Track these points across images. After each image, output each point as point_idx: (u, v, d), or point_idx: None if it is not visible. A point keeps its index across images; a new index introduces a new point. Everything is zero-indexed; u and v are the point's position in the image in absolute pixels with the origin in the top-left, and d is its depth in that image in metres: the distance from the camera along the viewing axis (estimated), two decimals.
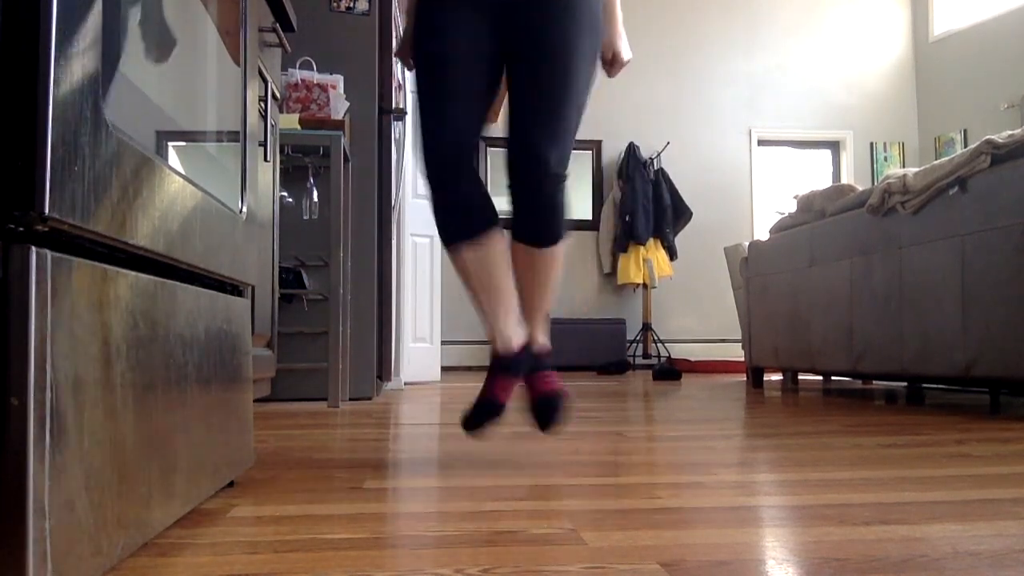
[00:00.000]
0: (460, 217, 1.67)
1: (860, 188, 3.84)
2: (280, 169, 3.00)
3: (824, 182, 8.08)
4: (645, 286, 7.35)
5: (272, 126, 2.43)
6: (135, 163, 0.85)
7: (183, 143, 1.05)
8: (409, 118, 4.44)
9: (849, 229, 3.61)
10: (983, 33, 7.38)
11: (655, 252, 7.34)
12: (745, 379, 5.25)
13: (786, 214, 4.40)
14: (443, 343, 6.91)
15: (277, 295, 2.72)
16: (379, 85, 3.65)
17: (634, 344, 7.39)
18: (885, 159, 8.15)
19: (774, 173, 8.13)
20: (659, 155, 7.64)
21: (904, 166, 8.10)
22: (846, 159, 8.14)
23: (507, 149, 1.69)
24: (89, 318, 0.74)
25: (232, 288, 1.36)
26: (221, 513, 1.19)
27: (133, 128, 0.85)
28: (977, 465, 1.63)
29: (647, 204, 7.35)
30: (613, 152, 7.73)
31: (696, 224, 7.64)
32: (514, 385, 1.73)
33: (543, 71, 1.66)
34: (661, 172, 7.54)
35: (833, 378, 5.14)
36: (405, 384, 4.62)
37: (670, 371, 5.43)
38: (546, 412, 1.72)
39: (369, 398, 3.53)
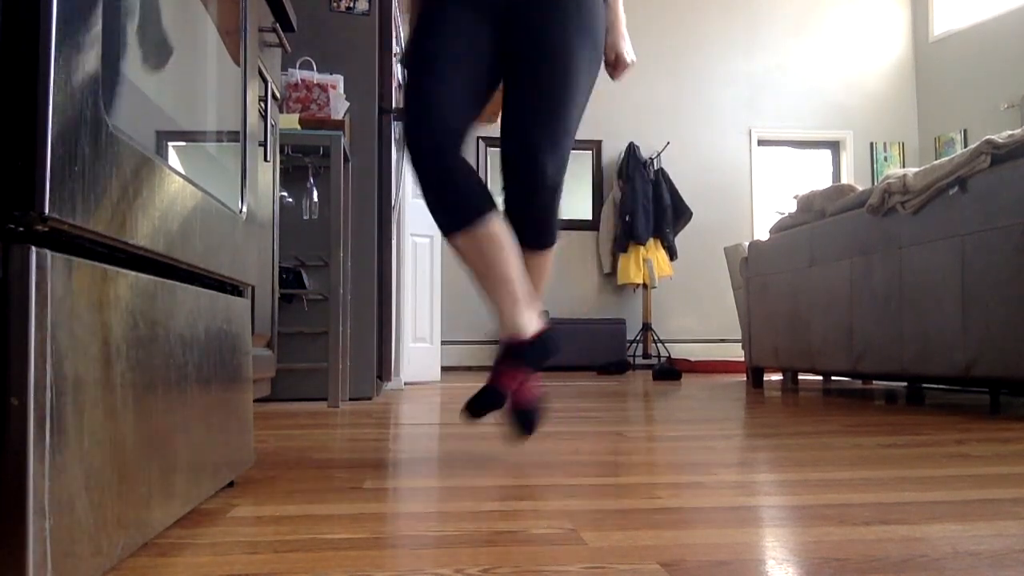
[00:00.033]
0: (450, 207, 1.62)
1: (860, 188, 3.84)
2: (280, 169, 3.00)
3: (824, 182, 8.09)
4: (645, 286, 7.36)
5: (272, 126, 2.43)
6: (135, 163, 0.85)
7: (183, 143, 1.05)
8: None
9: (849, 229, 3.61)
10: (983, 33, 7.38)
11: (655, 252, 7.34)
12: (745, 379, 5.25)
13: (786, 214, 4.40)
14: (443, 343, 6.91)
15: (277, 295, 2.72)
16: (379, 85, 3.65)
17: (634, 344, 7.39)
18: (885, 159, 8.15)
19: (774, 173, 8.13)
20: (659, 155, 7.64)
21: (904, 166, 8.11)
22: (846, 159, 8.14)
23: (503, 151, 1.69)
24: (89, 318, 0.74)
25: (232, 288, 1.36)
26: (221, 513, 1.19)
27: (133, 128, 0.85)
28: (977, 465, 1.63)
29: (647, 204, 7.36)
30: (613, 152, 7.73)
31: (696, 224, 7.64)
32: (522, 375, 1.70)
33: (543, 71, 1.66)
34: (661, 172, 7.54)
35: (833, 378, 5.14)
36: (405, 384, 4.62)
37: (670, 371, 5.44)
38: (521, 424, 1.74)
39: (369, 398, 3.53)
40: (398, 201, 4.22)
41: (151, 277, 0.91)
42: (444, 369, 6.89)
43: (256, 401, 3.18)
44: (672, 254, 7.39)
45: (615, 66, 1.85)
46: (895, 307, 3.25)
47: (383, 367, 3.75)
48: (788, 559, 0.93)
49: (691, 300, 7.79)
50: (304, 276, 3.36)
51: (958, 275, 2.88)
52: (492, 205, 1.64)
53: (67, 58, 0.68)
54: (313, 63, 3.44)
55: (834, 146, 8.23)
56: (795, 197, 4.32)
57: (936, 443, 1.99)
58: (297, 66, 3.41)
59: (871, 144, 8.15)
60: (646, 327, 7.39)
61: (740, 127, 8.00)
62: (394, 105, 3.80)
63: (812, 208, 4.09)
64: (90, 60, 0.73)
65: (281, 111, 3.17)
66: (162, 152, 0.96)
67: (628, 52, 1.84)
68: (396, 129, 4.01)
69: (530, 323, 1.67)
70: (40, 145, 0.65)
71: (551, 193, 1.67)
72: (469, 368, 7.21)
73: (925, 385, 4.23)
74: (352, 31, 3.61)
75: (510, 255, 1.64)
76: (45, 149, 0.65)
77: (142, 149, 0.87)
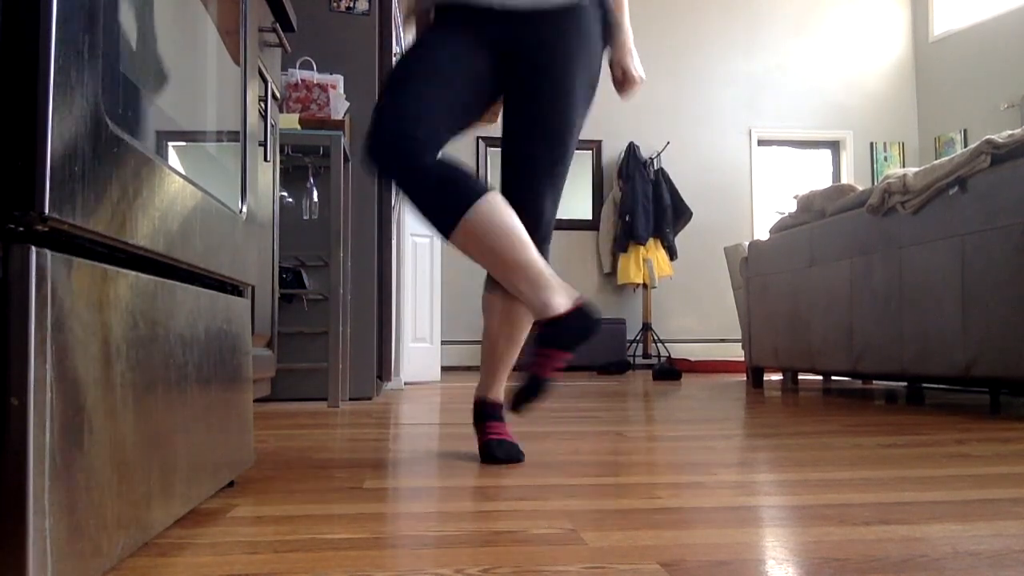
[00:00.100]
0: (430, 210, 1.52)
1: (860, 188, 3.84)
2: (280, 169, 3.00)
3: (824, 182, 8.09)
4: (645, 286, 7.36)
5: (272, 126, 2.43)
6: (135, 163, 0.85)
7: (183, 143, 1.05)
8: None
9: (849, 229, 3.61)
10: (983, 33, 7.38)
11: (655, 252, 7.34)
12: (745, 379, 5.25)
13: (786, 214, 4.40)
14: (443, 343, 6.92)
15: (277, 295, 2.72)
16: (379, 85, 3.65)
17: (634, 344, 7.39)
18: (885, 159, 8.15)
19: (774, 173, 8.13)
20: (659, 155, 7.64)
21: (904, 166, 8.11)
22: (846, 159, 8.14)
23: (503, 191, 1.70)
24: (89, 318, 0.74)
25: (232, 288, 1.36)
26: (221, 513, 1.19)
27: (133, 128, 0.85)
28: (977, 465, 1.63)
29: (647, 204, 7.36)
30: (613, 152, 7.73)
31: (696, 224, 7.64)
32: (560, 356, 1.59)
33: (547, 118, 1.67)
34: (661, 172, 7.54)
35: (833, 378, 5.14)
36: (405, 384, 4.62)
37: (670, 371, 5.43)
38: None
39: (369, 398, 3.53)
40: (398, 201, 4.22)
41: (151, 277, 0.91)
42: (444, 369, 6.89)
43: (256, 401, 3.18)
44: (672, 254, 7.39)
45: (622, 83, 1.83)
46: (895, 307, 3.25)
47: (383, 367, 3.75)
48: (788, 559, 0.93)
49: (691, 300, 7.79)
50: (304, 276, 3.36)
51: (958, 275, 2.88)
52: (477, 192, 1.51)
53: (67, 58, 0.68)
54: (313, 63, 3.44)
55: (834, 146, 8.23)
56: (795, 197, 4.33)
57: (936, 443, 1.99)
58: (297, 66, 3.41)
59: (871, 144, 8.15)
60: (646, 327, 7.39)
61: (740, 127, 8.00)
62: None
63: (812, 208, 4.09)
64: (90, 60, 0.73)
65: (281, 111, 3.17)
66: (162, 152, 0.96)
67: (636, 68, 1.82)
68: None
69: (559, 302, 1.55)
70: (40, 145, 0.65)
71: (548, 226, 1.73)
72: (469, 368, 7.21)
73: (925, 385, 4.23)
74: (352, 31, 3.61)
75: (515, 238, 1.52)
76: (45, 149, 0.65)
77: (142, 149, 0.87)
